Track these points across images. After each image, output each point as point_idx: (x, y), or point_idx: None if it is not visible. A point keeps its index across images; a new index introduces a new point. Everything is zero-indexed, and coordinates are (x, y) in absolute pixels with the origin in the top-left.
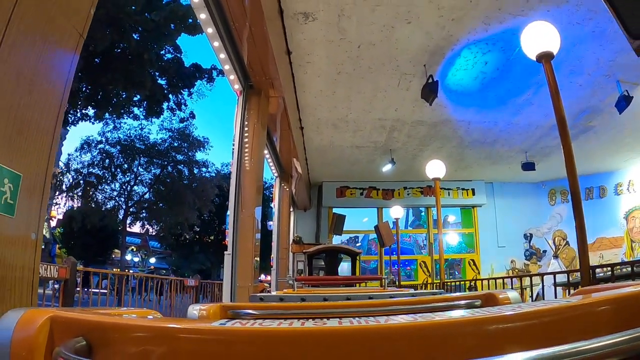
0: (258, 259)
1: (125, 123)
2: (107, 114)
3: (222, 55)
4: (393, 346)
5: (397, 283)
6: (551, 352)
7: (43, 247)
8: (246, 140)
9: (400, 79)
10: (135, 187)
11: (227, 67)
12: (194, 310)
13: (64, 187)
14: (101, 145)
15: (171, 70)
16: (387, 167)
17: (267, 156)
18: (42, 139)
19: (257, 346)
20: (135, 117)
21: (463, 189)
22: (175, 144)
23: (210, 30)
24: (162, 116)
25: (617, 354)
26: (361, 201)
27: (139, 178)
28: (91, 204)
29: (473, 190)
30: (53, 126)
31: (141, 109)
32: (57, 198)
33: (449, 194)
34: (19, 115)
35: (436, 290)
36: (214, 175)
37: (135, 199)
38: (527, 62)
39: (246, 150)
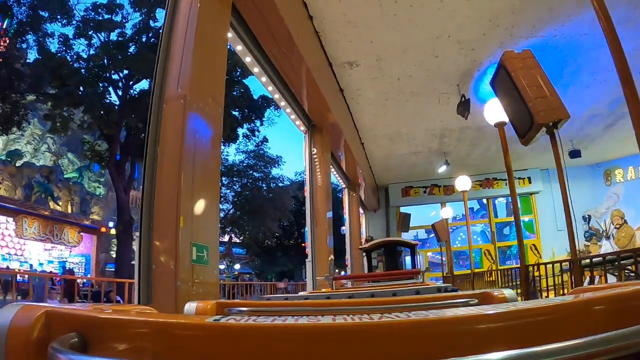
0: (333, 261)
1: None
2: None
3: (283, 103)
4: (382, 343)
5: (444, 274)
6: (543, 350)
7: None
8: (315, 169)
9: (439, 97)
10: (220, 205)
11: (292, 116)
12: (191, 306)
13: None
14: None
15: (243, 103)
16: (442, 168)
17: (334, 171)
18: (214, 223)
19: (247, 341)
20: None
21: (520, 178)
22: (252, 163)
23: (270, 88)
24: (237, 141)
25: (610, 353)
26: (425, 198)
27: (223, 197)
28: None
29: (529, 178)
30: (217, 211)
31: None
32: None
33: (506, 185)
34: (204, 212)
35: (441, 285)
36: (289, 184)
37: (221, 215)
38: (549, 70)
39: (316, 178)
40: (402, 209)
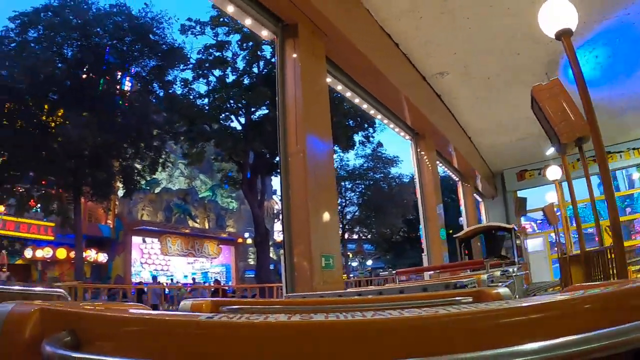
0: (447, 253)
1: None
2: None
3: (386, 121)
4: (369, 340)
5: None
6: (537, 347)
7: None
8: (423, 171)
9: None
10: (346, 208)
11: (396, 129)
12: (185, 304)
13: None
14: None
15: (355, 114)
16: (550, 151)
17: (445, 167)
18: (335, 237)
19: (239, 338)
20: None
21: (634, 148)
22: (371, 165)
23: (372, 112)
24: (355, 147)
25: (603, 350)
26: (540, 180)
27: (348, 200)
28: None
29: None
30: (337, 228)
31: (336, 145)
32: None
33: (620, 157)
34: (327, 229)
35: (450, 282)
36: (408, 181)
37: (349, 217)
38: (627, 49)
39: (425, 179)
40: (519, 193)
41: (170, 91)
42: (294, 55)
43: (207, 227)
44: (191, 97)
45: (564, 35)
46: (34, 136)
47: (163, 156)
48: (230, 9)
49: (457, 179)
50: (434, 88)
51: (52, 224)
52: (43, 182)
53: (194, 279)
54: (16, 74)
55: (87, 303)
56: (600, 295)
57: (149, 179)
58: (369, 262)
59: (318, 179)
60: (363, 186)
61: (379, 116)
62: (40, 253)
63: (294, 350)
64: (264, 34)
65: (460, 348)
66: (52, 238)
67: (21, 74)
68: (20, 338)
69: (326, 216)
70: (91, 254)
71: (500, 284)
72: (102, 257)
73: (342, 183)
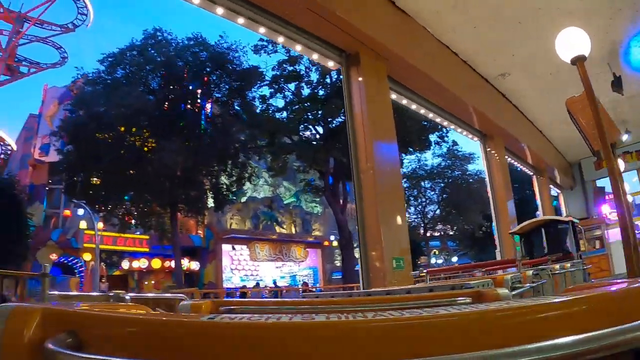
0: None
1: (405, 159)
2: None
3: (453, 127)
4: (369, 340)
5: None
6: (535, 347)
7: None
8: (492, 170)
9: (596, 78)
10: (427, 207)
11: (464, 133)
12: (185, 305)
13: None
14: None
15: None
16: (624, 137)
17: (517, 163)
18: (405, 240)
19: (239, 338)
20: (410, 153)
21: None
22: (449, 164)
23: (438, 119)
24: (431, 147)
25: (601, 350)
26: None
27: (428, 199)
28: None
29: None
30: (406, 232)
31: (412, 147)
32: None
33: None
34: (396, 234)
35: (456, 284)
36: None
37: (429, 216)
38: None
39: (494, 177)
40: (598, 182)
41: (250, 109)
42: (359, 79)
43: (293, 232)
44: (270, 111)
45: (578, 60)
46: (131, 162)
47: (249, 171)
48: (298, 47)
49: (531, 173)
50: (498, 89)
51: (147, 237)
52: (141, 202)
53: (275, 282)
54: (112, 109)
55: (90, 304)
56: (598, 296)
57: (237, 193)
58: (454, 259)
59: (386, 190)
60: (442, 184)
61: (445, 123)
62: (136, 264)
63: (288, 350)
64: (330, 64)
65: (444, 349)
66: (147, 250)
67: (116, 109)
68: (22, 338)
69: (395, 223)
70: (184, 263)
71: (527, 285)
72: (195, 265)
73: (422, 183)
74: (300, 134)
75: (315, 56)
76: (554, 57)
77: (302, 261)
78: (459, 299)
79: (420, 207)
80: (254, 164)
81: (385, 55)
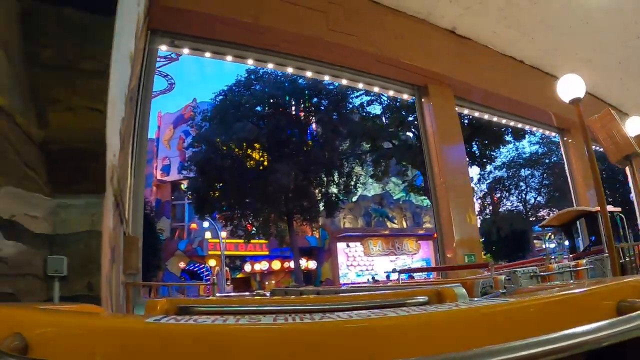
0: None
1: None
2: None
3: (528, 127)
4: (313, 344)
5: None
6: (481, 352)
7: None
8: (572, 164)
9: None
10: (528, 195)
11: (540, 130)
12: (141, 304)
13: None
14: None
15: None
16: None
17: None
18: (476, 238)
19: (175, 341)
20: (507, 142)
21: None
22: (545, 150)
23: (512, 123)
24: (526, 135)
25: (547, 355)
26: None
27: (529, 185)
28: (497, 218)
29: None
30: (477, 231)
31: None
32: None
33: None
34: (468, 234)
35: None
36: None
37: (531, 202)
38: None
39: (574, 172)
40: None
41: (349, 119)
42: (430, 104)
43: (404, 226)
44: (369, 117)
45: (575, 102)
46: (250, 182)
47: (354, 179)
48: (375, 89)
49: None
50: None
51: (266, 241)
52: (261, 215)
53: (389, 276)
54: (229, 140)
55: (40, 304)
56: (543, 300)
57: (346, 200)
58: (566, 242)
59: (458, 198)
60: (541, 170)
61: (520, 125)
62: (258, 267)
63: (221, 355)
64: (405, 96)
65: (409, 352)
66: (267, 253)
67: (232, 139)
68: None
69: (466, 226)
70: (302, 263)
71: (498, 291)
72: (312, 264)
73: (521, 170)
74: (400, 138)
75: (391, 92)
76: (617, 50)
77: (415, 254)
78: (418, 298)
79: (522, 194)
80: (359, 171)
81: (449, 82)
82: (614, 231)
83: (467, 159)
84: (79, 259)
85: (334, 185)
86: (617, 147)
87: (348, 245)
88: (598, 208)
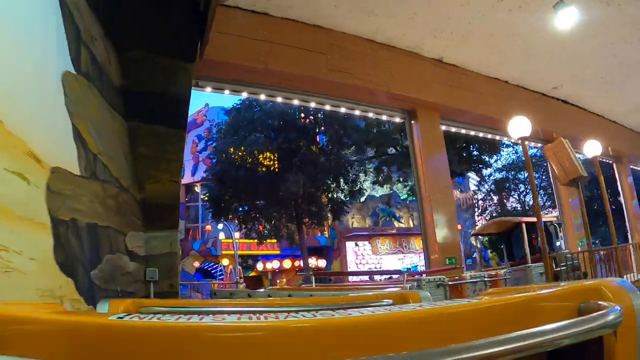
0: None
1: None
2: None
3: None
4: (273, 343)
5: None
6: (445, 350)
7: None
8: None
9: None
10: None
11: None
12: (104, 304)
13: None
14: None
15: None
16: None
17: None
18: (456, 243)
19: (137, 338)
20: (505, 147)
21: None
22: (542, 153)
23: (497, 137)
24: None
25: (509, 354)
26: None
27: (528, 187)
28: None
29: None
30: (458, 237)
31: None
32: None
33: None
34: (449, 238)
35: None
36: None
37: (530, 204)
38: None
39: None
40: None
41: (353, 127)
42: (418, 125)
43: (411, 225)
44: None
45: (522, 139)
46: (263, 189)
47: (358, 185)
48: (370, 114)
49: (611, 162)
50: (557, 97)
51: (276, 241)
52: (272, 219)
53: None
54: (245, 150)
55: (9, 303)
56: (509, 301)
57: (352, 203)
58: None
59: (440, 209)
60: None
61: (505, 139)
62: (269, 265)
63: (183, 352)
64: (397, 120)
65: (374, 350)
66: (278, 252)
67: (247, 151)
68: None
69: (447, 233)
70: (312, 261)
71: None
72: (322, 263)
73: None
74: (403, 144)
75: (384, 117)
76: (600, 64)
77: (422, 252)
78: (384, 301)
79: (521, 196)
80: (362, 177)
81: (436, 106)
82: (548, 240)
83: (466, 165)
84: (164, 269)
85: (340, 191)
86: (565, 172)
87: (357, 244)
88: (534, 219)
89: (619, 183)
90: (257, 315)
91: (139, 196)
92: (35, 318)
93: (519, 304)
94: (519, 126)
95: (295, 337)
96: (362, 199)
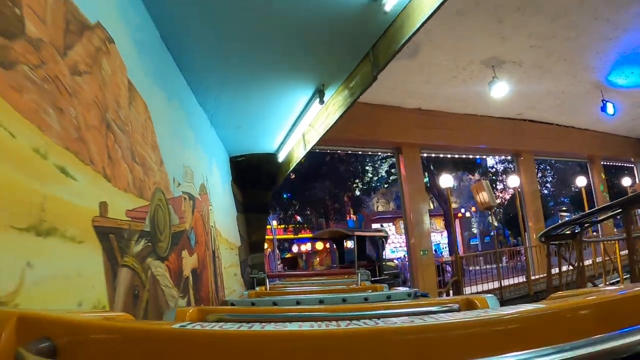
0: None
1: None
2: None
3: (484, 156)
4: (358, 351)
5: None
6: (517, 357)
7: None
8: (524, 187)
9: None
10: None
11: (497, 158)
12: (171, 313)
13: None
14: None
15: None
16: None
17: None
18: (427, 238)
19: (206, 347)
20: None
21: None
22: None
23: (471, 156)
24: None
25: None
26: None
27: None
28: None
29: None
30: (429, 234)
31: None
32: None
33: None
34: (422, 235)
35: (411, 291)
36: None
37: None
38: None
39: (524, 191)
40: None
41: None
42: (402, 158)
43: (431, 207)
44: None
45: (446, 190)
46: (298, 194)
47: (372, 184)
48: (368, 152)
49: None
50: (523, 119)
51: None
52: (305, 215)
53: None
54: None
55: (69, 310)
56: (580, 304)
57: (366, 202)
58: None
59: (419, 223)
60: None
61: (484, 156)
62: (303, 247)
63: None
64: (388, 153)
65: (456, 356)
66: (310, 235)
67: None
68: None
69: (421, 233)
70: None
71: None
72: (350, 244)
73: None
74: None
75: (379, 153)
76: (553, 99)
77: (443, 232)
78: (447, 307)
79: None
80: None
81: (417, 144)
82: (379, 250)
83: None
84: (258, 268)
85: (357, 190)
86: (482, 203)
87: (382, 226)
88: (354, 232)
89: (592, 183)
90: (319, 323)
91: (248, 241)
92: (106, 326)
93: (588, 307)
94: (445, 181)
95: (373, 345)
96: (386, 185)
